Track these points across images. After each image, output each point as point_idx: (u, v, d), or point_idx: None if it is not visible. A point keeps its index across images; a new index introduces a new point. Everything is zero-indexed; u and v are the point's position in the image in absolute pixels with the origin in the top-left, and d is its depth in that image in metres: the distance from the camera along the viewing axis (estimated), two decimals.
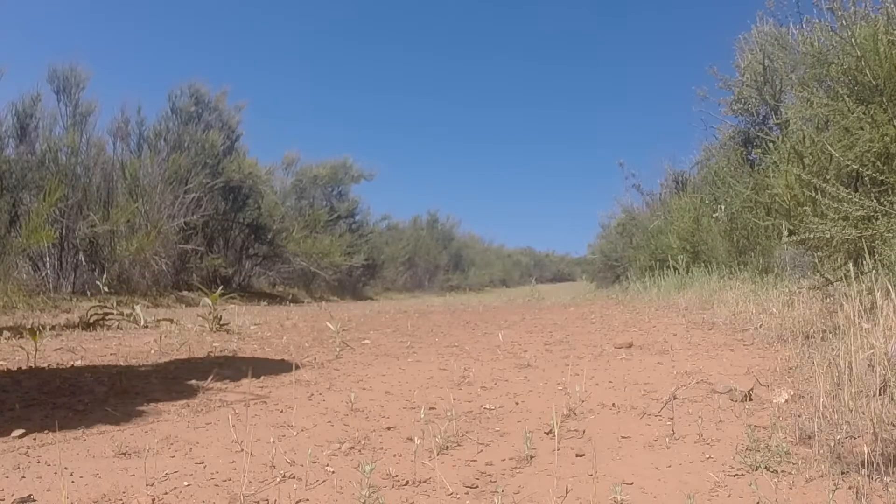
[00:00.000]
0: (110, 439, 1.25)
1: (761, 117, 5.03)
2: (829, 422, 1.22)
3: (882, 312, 1.54)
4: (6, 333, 2.54)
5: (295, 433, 1.31)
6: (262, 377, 1.88)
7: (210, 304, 2.90)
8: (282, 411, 1.48)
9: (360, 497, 0.96)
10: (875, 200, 2.21)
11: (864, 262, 2.16)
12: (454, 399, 1.59)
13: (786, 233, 3.25)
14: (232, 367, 2.02)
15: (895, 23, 2.76)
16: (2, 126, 5.34)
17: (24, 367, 1.91)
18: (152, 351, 2.22)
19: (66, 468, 1.08)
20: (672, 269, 5.26)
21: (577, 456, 1.17)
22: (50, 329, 2.75)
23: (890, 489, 0.94)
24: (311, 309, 4.55)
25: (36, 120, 5.57)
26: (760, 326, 2.44)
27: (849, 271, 1.96)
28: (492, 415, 1.47)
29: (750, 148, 5.11)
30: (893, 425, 1.14)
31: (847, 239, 2.26)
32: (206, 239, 7.03)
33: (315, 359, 2.18)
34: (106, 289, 3.76)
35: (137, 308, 3.11)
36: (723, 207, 4.89)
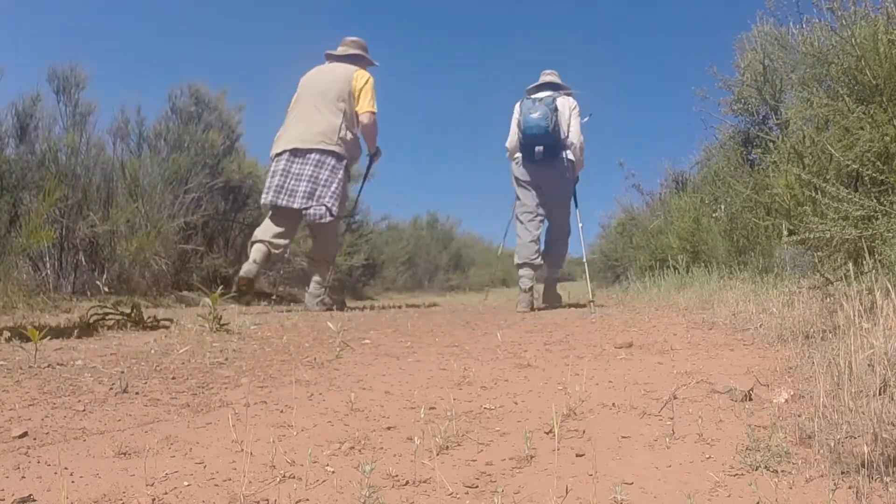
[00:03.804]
0: (110, 439, 1.25)
1: (761, 117, 5.03)
2: (829, 422, 1.22)
3: (882, 312, 1.54)
4: (6, 333, 2.54)
5: (295, 433, 1.31)
6: (263, 377, 1.88)
7: (210, 304, 2.90)
8: (282, 411, 1.48)
9: (360, 497, 0.96)
10: (875, 200, 2.22)
11: (864, 262, 2.16)
12: (454, 399, 1.59)
13: (786, 233, 3.25)
14: (232, 367, 2.02)
15: (895, 23, 2.76)
16: (2, 126, 5.33)
17: (24, 367, 1.91)
18: (152, 351, 2.22)
19: (66, 468, 1.08)
20: (672, 269, 5.26)
21: (577, 456, 1.17)
22: (51, 328, 2.75)
23: (890, 489, 0.94)
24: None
25: (36, 120, 5.55)
26: (760, 326, 2.44)
27: (849, 271, 1.96)
28: (492, 414, 1.47)
29: (750, 148, 5.10)
30: (893, 425, 1.14)
31: (847, 239, 2.26)
32: (206, 239, 7.01)
33: (315, 359, 2.18)
34: (106, 289, 3.76)
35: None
36: (723, 207, 4.89)
